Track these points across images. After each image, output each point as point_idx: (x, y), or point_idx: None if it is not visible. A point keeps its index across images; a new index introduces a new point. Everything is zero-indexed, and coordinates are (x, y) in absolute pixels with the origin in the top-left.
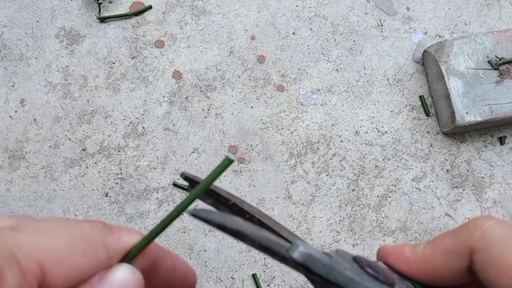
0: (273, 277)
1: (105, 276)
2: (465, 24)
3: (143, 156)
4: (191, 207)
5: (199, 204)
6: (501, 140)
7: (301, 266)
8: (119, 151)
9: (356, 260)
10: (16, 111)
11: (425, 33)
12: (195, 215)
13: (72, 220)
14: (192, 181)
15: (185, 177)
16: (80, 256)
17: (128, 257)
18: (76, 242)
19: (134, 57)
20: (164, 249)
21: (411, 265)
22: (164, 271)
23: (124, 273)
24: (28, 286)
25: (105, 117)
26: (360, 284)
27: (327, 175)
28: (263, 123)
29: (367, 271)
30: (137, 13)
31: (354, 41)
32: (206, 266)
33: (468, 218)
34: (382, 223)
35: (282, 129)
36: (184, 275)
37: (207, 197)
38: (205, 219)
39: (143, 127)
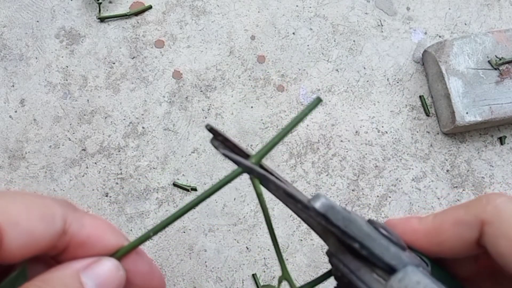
0: (273, 277)
1: (92, 266)
2: (465, 24)
3: (143, 156)
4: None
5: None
6: (501, 140)
7: (322, 216)
8: (119, 151)
9: (371, 222)
10: (16, 111)
11: (425, 33)
12: (226, 155)
13: (36, 193)
14: (216, 133)
15: (210, 128)
16: (36, 221)
17: (118, 254)
18: (34, 208)
19: (134, 57)
20: (140, 252)
21: (419, 236)
22: (134, 274)
23: (110, 268)
24: None
25: (105, 117)
26: (376, 240)
27: (327, 175)
28: (263, 123)
29: (381, 232)
30: (137, 13)
31: (354, 41)
32: (206, 266)
33: None
34: None
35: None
36: (148, 275)
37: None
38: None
39: (143, 127)
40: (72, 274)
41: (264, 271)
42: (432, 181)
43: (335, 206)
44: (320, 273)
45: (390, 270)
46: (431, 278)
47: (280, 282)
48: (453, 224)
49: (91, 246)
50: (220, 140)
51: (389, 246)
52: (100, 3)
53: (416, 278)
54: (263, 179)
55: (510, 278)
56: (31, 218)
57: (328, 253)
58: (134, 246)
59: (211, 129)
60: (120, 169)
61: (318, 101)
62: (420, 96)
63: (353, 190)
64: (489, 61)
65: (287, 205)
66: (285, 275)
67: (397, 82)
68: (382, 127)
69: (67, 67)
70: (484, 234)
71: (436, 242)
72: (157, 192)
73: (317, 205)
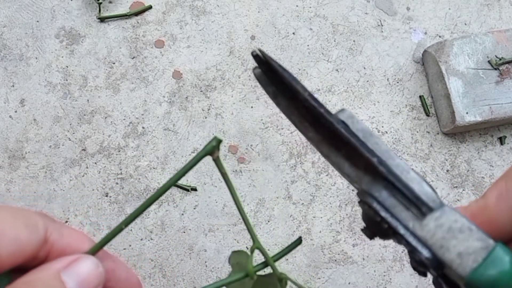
0: None
1: (72, 265)
2: (465, 24)
3: (143, 156)
4: None
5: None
6: (501, 140)
7: (342, 123)
8: (119, 151)
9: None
10: (16, 111)
11: (425, 33)
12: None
13: (15, 206)
14: (261, 61)
15: (256, 54)
16: (22, 229)
17: (92, 250)
18: (18, 217)
19: (134, 57)
20: (105, 252)
21: (483, 223)
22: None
23: (89, 266)
24: None
25: (105, 117)
26: (394, 159)
27: (327, 175)
28: (263, 123)
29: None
30: (137, 13)
31: (354, 41)
32: (206, 266)
33: None
34: None
35: (282, 129)
36: (125, 280)
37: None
38: (270, 59)
39: (143, 127)
40: (53, 274)
41: (264, 271)
42: (432, 181)
43: (356, 118)
44: (320, 273)
45: (426, 209)
46: (468, 218)
47: (252, 251)
48: (498, 197)
49: (70, 254)
50: (263, 70)
51: (408, 169)
52: (100, 3)
53: (453, 217)
54: (295, 80)
55: None
56: (16, 227)
57: (360, 192)
58: (108, 240)
59: (256, 56)
60: (120, 169)
61: (298, 242)
62: (420, 96)
63: (353, 190)
64: (489, 61)
65: (297, 125)
66: (256, 245)
67: (397, 82)
68: (382, 127)
69: (67, 67)
70: None
71: (485, 220)
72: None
73: (339, 114)
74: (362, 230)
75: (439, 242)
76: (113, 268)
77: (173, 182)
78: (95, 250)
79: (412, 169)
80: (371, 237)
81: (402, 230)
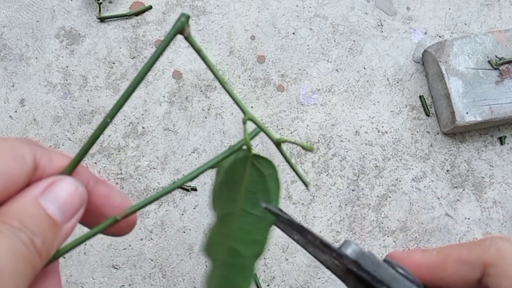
0: (273, 277)
1: (49, 188)
2: (465, 24)
3: (143, 156)
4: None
5: None
6: (501, 140)
7: (354, 263)
8: (119, 151)
9: (387, 261)
10: (16, 111)
11: (425, 33)
12: (269, 208)
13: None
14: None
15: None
16: (9, 162)
17: (66, 170)
18: (4, 150)
19: (134, 57)
20: (98, 178)
21: (422, 270)
22: (96, 197)
23: (68, 187)
24: None
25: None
26: (400, 282)
27: (327, 175)
28: (263, 123)
29: (399, 272)
30: (137, 13)
31: (354, 41)
32: (206, 266)
33: (468, 218)
34: (382, 223)
35: (282, 129)
36: (119, 207)
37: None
38: (276, 213)
39: (143, 127)
40: (31, 201)
41: (264, 271)
42: (432, 181)
43: (365, 252)
44: (320, 273)
45: None
46: None
47: (244, 122)
48: (456, 262)
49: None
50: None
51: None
52: (100, 3)
53: None
54: (302, 230)
55: None
56: (3, 160)
57: None
58: (84, 152)
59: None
60: (120, 169)
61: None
62: (420, 96)
63: (353, 190)
64: (489, 61)
65: (307, 249)
66: (248, 116)
67: (397, 82)
68: (382, 127)
69: (67, 67)
70: (486, 275)
71: (439, 277)
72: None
73: (349, 251)
74: None
75: None
76: (107, 194)
77: (147, 67)
78: (72, 167)
79: (412, 283)
80: None
81: None
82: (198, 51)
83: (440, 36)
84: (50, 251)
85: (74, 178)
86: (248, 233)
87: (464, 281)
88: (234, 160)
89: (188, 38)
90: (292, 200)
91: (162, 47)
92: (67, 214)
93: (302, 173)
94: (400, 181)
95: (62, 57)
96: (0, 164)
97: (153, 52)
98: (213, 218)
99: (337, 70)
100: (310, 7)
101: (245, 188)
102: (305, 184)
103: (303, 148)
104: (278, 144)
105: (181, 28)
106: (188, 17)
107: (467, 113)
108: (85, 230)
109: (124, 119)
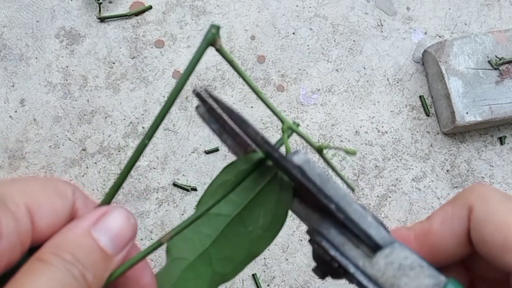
0: (273, 277)
1: (101, 219)
2: (465, 24)
3: (143, 156)
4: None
5: None
6: (501, 140)
7: (298, 169)
8: (119, 151)
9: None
10: (16, 111)
11: (425, 33)
12: (197, 91)
13: (39, 176)
14: (203, 99)
15: (197, 93)
16: (54, 198)
17: (105, 200)
18: (48, 186)
19: (134, 57)
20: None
21: (410, 242)
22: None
23: (120, 218)
24: (23, 228)
25: (105, 117)
26: (352, 204)
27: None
28: (263, 123)
29: (358, 203)
30: (137, 13)
31: (354, 41)
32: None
33: None
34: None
35: None
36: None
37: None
38: (216, 99)
39: (143, 127)
40: (83, 233)
41: (264, 271)
42: (432, 181)
43: (312, 162)
44: None
45: (375, 247)
46: (419, 254)
47: (284, 131)
48: (442, 221)
49: None
50: (207, 108)
51: (366, 214)
52: (100, 3)
53: (403, 253)
54: (242, 121)
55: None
56: (49, 196)
57: (310, 231)
58: (123, 178)
59: (197, 95)
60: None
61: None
62: (420, 96)
63: (353, 190)
64: (489, 61)
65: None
66: (287, 124)
67: (397, 82)
68: (382, 127)
69: (67, 67)
70: (471, 221)
71: (428, 244)
72: (157, 192)
73: (295, 158)
74: (313, 270)
75: (390, 280)
76: (141, 274)
77: (182, 84)
78: (110, 197)
79: (370, 212)
80: (322, 277)
81: (352, 269)
82: (231, 62)
83: (440, 36)
84: (99, 284)
85: (125, 208)
86: (231, 246)
87: (454, 240)
88: (257, 166)
89: (220, 50)
90: None
91: (195, 61)
92: (119, 246)
93: (346, 178)
94: (400, 181)
95: (62, 57)
96: (46, 200)
97: (185, 68)
98: (196, 212)
99: (337, 70)
100: (310, 7)
101: (253, 197)
102: (351, 189)
103: (346, 152)
104: (319, 150)
105: (212, 40)
106: (218, 28)
107: (467, 113)
108: None
109: (124, 119)
